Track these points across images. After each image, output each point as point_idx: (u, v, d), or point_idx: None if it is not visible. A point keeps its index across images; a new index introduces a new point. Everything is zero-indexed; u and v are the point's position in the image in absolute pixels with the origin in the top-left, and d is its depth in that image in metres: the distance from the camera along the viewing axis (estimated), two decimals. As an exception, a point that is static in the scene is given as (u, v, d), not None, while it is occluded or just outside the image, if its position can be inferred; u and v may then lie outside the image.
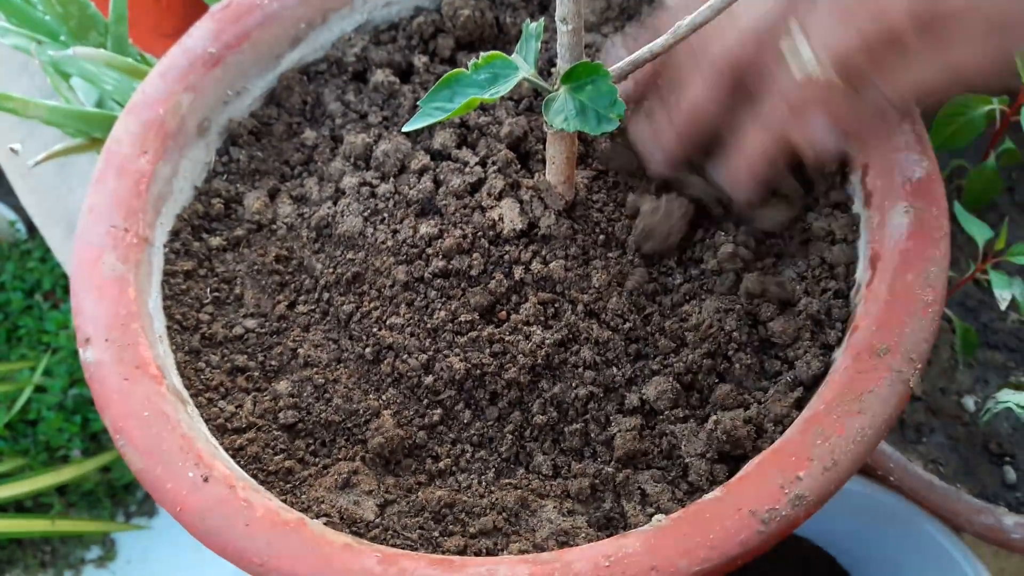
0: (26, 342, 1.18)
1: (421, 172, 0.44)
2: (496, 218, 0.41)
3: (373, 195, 0.44)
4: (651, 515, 0.35)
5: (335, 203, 0.44)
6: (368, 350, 0.41)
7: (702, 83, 0.38)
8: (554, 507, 0.37)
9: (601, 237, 0.41)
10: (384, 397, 0.40)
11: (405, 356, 0.40)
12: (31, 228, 1.28)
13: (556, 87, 0.36)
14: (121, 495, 1.19)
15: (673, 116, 0.40)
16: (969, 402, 0.56)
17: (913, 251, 0.37)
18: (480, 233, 0.41)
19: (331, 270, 0.43)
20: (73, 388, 1.15)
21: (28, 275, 1.22)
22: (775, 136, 0.37)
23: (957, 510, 0.50)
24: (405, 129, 0.35)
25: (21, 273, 1.22)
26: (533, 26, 0.36)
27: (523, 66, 0.35)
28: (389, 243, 0.42)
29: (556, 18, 0.35)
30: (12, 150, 0.45)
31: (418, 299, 0.41)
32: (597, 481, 0.37)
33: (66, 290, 1.22)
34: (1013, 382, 0.55)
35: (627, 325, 0.40)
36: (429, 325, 0.41)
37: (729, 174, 0.40)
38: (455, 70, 0.35)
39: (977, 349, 0.57)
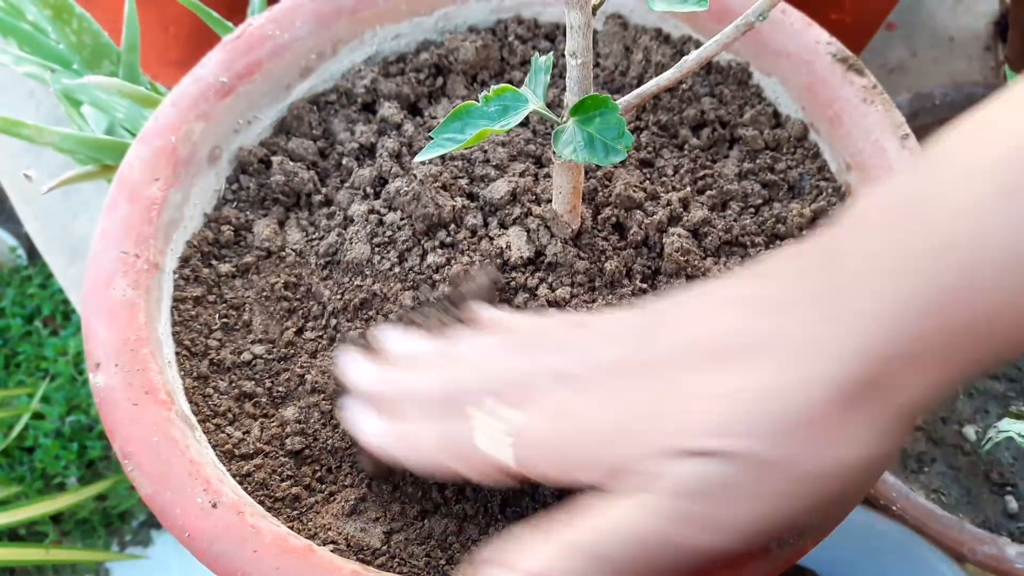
0: (24, 368, 1.18)
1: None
2: (503, 246, 0.42)
3: (381, 223, 0.45)
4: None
5: (343, 230, 0.45)
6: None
7: (424, 378, 0.36)
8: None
9: (607, 265, 0.42)
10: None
11: None
12: (31, 254, 1.28)
13: (565, 119, 0.36)
14: (116, 524, 1.18)
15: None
16: (970, 431, 0.57)
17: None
18: (487, 260, 0.42)
19: (339, 296, 0.43)
20: (71, 415, 1.15)
21: (28, 301, 1.22)
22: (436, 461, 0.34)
23: (959, 539, 0.51)
24: (417, 160, 0.36)
25: (21, 299, 1.23)
26: (542, 60, 0.37)
27: (532, 98, 0.36)
28: (396, 270, 0.43)
29: (566, 52, 0.35)
30: (26, 176, 0.45)
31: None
32: None
33: (66, 316, 1.22)
34: (1013, 411, 0.56)
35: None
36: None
37: (367, 422, 0.37)
38: (466, 102, 0.35)
39: (977, 379, 0.57)
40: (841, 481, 0.27)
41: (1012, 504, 0.54)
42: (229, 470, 0.38)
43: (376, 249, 0.44)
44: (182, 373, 0.41)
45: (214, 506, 0.35)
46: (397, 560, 0.36)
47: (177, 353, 0.41)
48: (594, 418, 0.30)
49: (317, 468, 0.40)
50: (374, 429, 0.36)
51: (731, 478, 0.27)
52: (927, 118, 0.68)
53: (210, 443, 0.39)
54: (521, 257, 0.42)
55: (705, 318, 0.30)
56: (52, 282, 1.24)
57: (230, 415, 0.41)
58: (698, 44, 0.48)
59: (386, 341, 0.39)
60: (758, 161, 0.46)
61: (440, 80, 0.50)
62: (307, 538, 0.35)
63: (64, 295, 1.23)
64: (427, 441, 0.34)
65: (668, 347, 0.30)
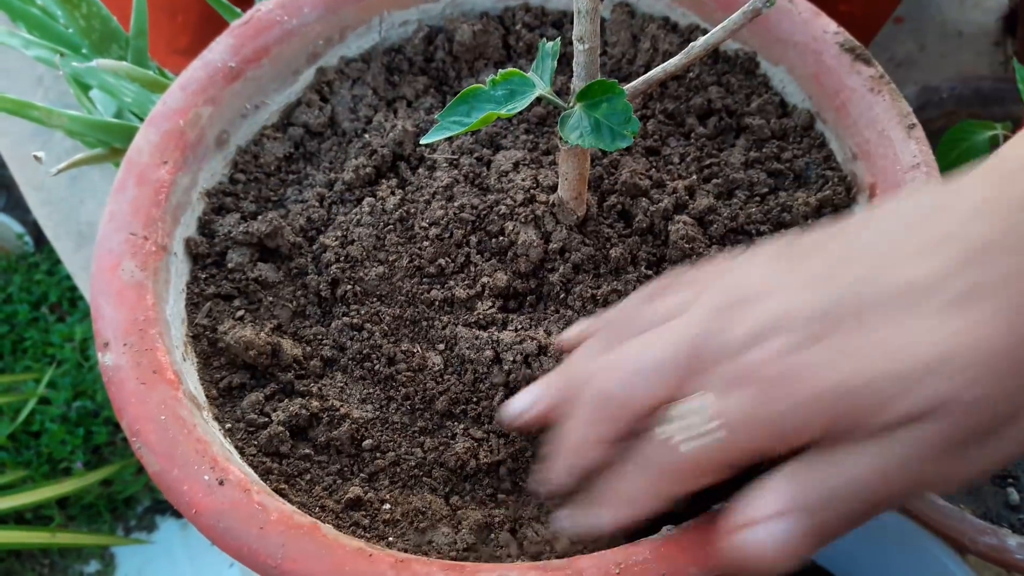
0: (31, 354, 1.19)
1: (433, 194, 0.45)
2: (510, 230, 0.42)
3: (384, 211, 0.45)
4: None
5: (347, 216, 0.45)
6: (379, 365, 0.41)
7: (583, 422, 0.34)
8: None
9: (612, 252, 0.42)
10: (391, 411, 0.41)
11: (406, 363, 0.41)
12: (38, 241, 1.29)
13: (571, 104, 0.37)
14: (122, 509, 1.19)
15: (560, 451, 0.35)
16: (972, 423, 0.57)
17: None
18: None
19: (350, 286, 0.43)
20: (77, 400, 1.16)
21: (35, 287, 1.23)
22: (648, 495, 0.33)
23: (961, 530, 0.51)
24: (424, 141, 0.36)
25: (28, 285, 1.23)
26: (549, 45, 0.37)
27: (539, 83, 0.36)
28: (404, 261, 0.43)
29: (573, 37, 0.36)
30: (36, 158, 0.46)
31: (427, 312, 0.42)
32: None
33: (72, 303, 1.23)
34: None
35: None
36: (434, 336, 0.41)
37: (590, 516, 0.35)
38: (473, 86, 0.36)
39: None
40: None
41: (1014, 496, 0.55)
42: (235, 449, 0.39)
43: (380, 237, 0.44)
44: (190, 353, 0.41)
45: (221, 484, 0.35)
46: (400, 541, 0.37)
47: (185, 334, 0.42)
48: (805, 382, 0.28)
49: (323, 459, 0.40)
50: (585, 524, 0.35)
51: (972, 430, 0.26)
52: (934, 112, 0.68)
53: (216, 422, 0.39)
54: (527, 243, 0.42)
55: (892, 257, 0.28)
56: (59, 269, 1.25)
57: (236, 395, 0.41)
58: (705, 33, 0.48)
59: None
60: (764, 150, 0.46)
61: (443, 64, 0.50)
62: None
63: (71, 282, 1.23)
64: (639, 488, 0.32)
65: (861, 292, 0.28)
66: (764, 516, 0.29)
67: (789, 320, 0.28)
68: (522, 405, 0.37)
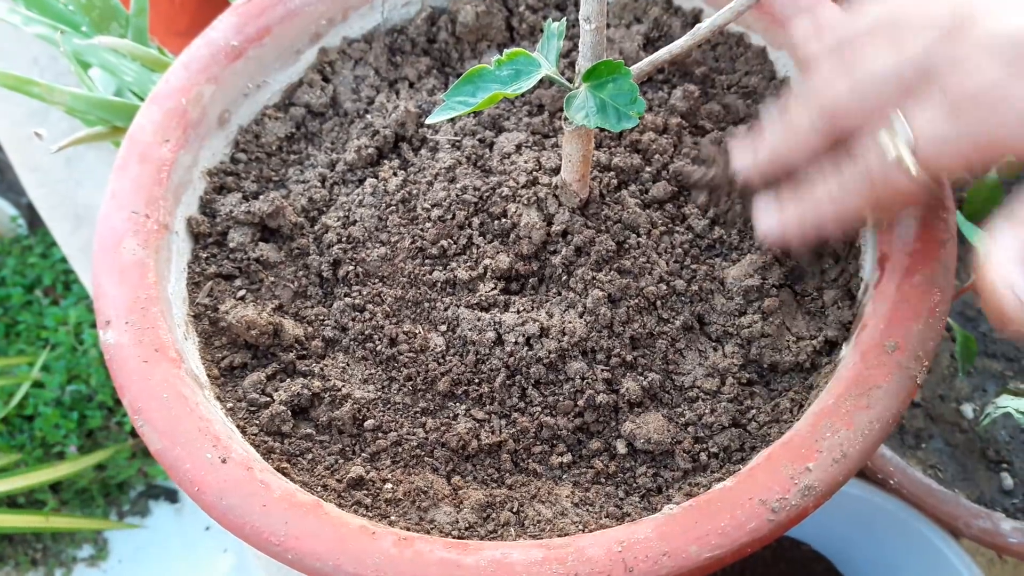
0: (25, 337, 1.18)
1: (436, 175, 0.45)
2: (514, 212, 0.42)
3: (386, 192, 0.45)
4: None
5: (349, 197, 0.45)
6: (381, 346, 0.42)
7: (799, 123, 0.37)
8: (567, 496, 0.37)
9: (615, 228, 0.42)
10: (393, 392, 0.41)
11: (408, 343, 0.41)
12: (32, 224, 1.28)
13: (577, 84, 0.37)
14: (115, 494, 1.19)
15: (766, 140, 0.39)
16: (967, 409, 0.57)
17: (921, 253, 0.38)
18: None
19: (352, 266, 0.43)
20: (71, 384, 1.16)
21: (28, 271, 1.23)
22: (842, 209, 0.36)
23: (955, 514, 0.51)
24: (428, 121, 0.36)
25: (21, 269, 1.23)
26: (555, 25, 0.37)
27: (545, 64, 0.36)
28: (406, 242, 0.43)
29: (580, 17, 0.36)
30: (37, 134, 0.46)
31: (429, 294, 0.42)
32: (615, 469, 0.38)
33: (66, 286, 1.23)
34: (1011, 389, 0.56)
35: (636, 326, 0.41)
36: (436, 317, 0.41)
37: (779, 218, 0.38)
38: (478, 66, 0.36)
39: (976, 358, 0.58)
40: None
41: (1007, 481, 0.55)
42: (237, 427, 0.39)
43: (382, 218, 0.44)
44: (192, 332, 0.41)
45: (223, 462, 0.35)
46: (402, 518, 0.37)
47: (187, 313, 0.42)
48: (1010, 101, 0.30)
49: (325, 438, 0.40)
50: (783, 215, 0.37)
51: None
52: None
53: (218, 401, 0.39)
54: (530, 224, 0.42)
55: None
56: (53, 252, 1.24)
57: (238, 374, 0.41)
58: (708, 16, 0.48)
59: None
60: None
61: (445, 45, 0.50)
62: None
63: (65, 265, 1.23)
64: (833, 194, 0.35)
65: None
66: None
67: (1005, 43, 0.30)
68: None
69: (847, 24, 0.36)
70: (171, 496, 1.19)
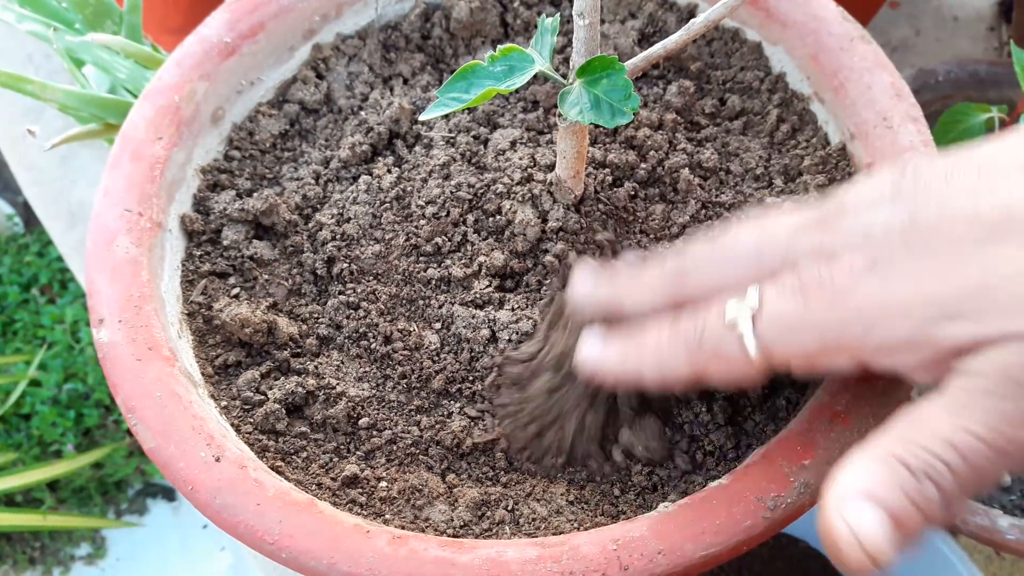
0: (21, 336, 1.18)
1: (430, 172, 0.45)
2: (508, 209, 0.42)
3: (381, 189, 0.45)
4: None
5: (343, 194, 0.45)
6: (375, 344, 0.41)
7: (649, 272, 0.35)
8: (562, 494, 0.37)
9: (610, 222, 0.42)
10: (388, 390, 0.41)
11: (402, 341, 0.41)
12: (28, 222, 1.28)
13: (571, 80, 0.36)
14: (112, 492, 1.19)
15: (614, 278, 0.36)
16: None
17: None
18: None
19: (346, 264, 0.43)
20: (68, 383, 1.16)
21: (25, 269, 1.22)
22: (665, 364, 0.33)
23: (952, 511, 0.51)
24: (422, 118, 0.36)
25: (18, 267, 1.22)
26: (549, 21, 0.37)
27: (539, 59, 0.36)
28: (400, 239, 0.43)
29: (574, 12, 0.35)
30: (30, 132, 0.45)
31: (423, 291, 0.42)
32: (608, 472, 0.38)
33: (63, 285, 1.22)
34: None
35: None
36: (431, 315, 0.41)
37: (600, 351, 0.35)
38: (472, 62, 0.35)
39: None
40: None
41: (1005, 477, 0.55)
42: (231, 426, 0.39)
43: (376, 215, 0.44)
44: (185, 330, 0.41)
45: (217, 460, 0.35)
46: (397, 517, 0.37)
47: (181, 311, 0.41)
48: (858, 298, 0.28)
49: (319, 436, 0.40)
50: (605, 349, 0.34)
51: None
52: (930, 95, 0.68)
53: (212, 399, 0.39)
54: (524, 222, 0.42)
55: (991, 186, 0.27)
56: (49, 250, 1.24)
57: (232, 373, 0.41)
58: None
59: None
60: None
61: (439, 42, 0.50)
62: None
63: (61, 263, 1.22)
64: (662, 344, 0.32)
65: (951, 219, 0.27)
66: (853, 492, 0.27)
67: (868, 241, 0.28)
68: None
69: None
70: (169, 494, 1.19)
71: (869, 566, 0.26)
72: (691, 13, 0.49)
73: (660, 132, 0.45)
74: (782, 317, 0.29)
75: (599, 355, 0.34)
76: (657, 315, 0.33)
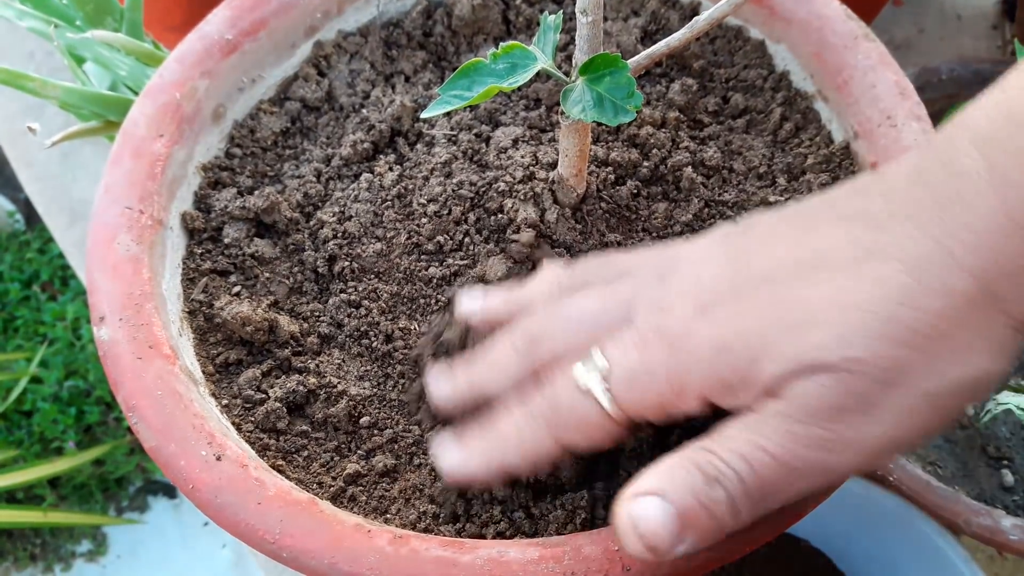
0: (23, 333, 1.18)
1: (432, 171, 0.44)
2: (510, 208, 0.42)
3: (382, 187, 0.44)
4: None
5: (344, 192, 0.45)
6: (376, 342, 0.41)
7: (500, 348, 0.35)
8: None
9: (612, 221, 0.42)
10: (389, 388, 0.40)
11: (404, 340, 0.41)
12: (30, 219, 1.28)
13: (574, 78, 0.36)
14: (113, 489, 1.19)
15: (469, 368, 0.36)
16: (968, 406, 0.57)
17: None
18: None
19: (348, 262, 0.43)
20: (69, 380, 1.16)
21: (26, 266, 1.22)
22: (529, 443, 0.33)
23: (955, 511, 0.51)
24: (424, 116, 0.36)
25: (19, 264, 1.22)
26: (551, 18, 0.37)
27: (541, 57, 0.36)
28: (402, 238, 0.43)
29: (576, 10, 0.35)
30: (30, 129, 0.45)
31: (425, 290, 0.42)
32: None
33: (64, 282, 1.22)
34: (1012, 385, 0.56)
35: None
36: (432, 310, 0.41)
37: (463, 460, 0.34)
38: (474, 59, 0.35)
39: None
40: (961, 398, 0.26)
41: (1008, 477, 0.55)
42: (232, 425, 0.38)
43: (377, 213, 0.44)
44: (186, 329, 0.41)
45: (218, 459, 0.35)
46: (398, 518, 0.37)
47: (182, 309, 0.41)
48: (693, 340, 0.29)
49: (320, 435, 0.40)
50: (467, 457, 0.34)
51: (856, 394, 0.26)
52: (933, 93, 0.68)
53: (213, 398, 0.39)
54: (526, 219, 0.41)
55: (807, 233, 0.29)
56: (50, 247, 1.24)
57: (233, 371, 0.41)
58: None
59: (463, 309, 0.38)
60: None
61: (441, 39, 0.50)
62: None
63: (62, 260, 1.22)
64: (520, 427, 0.33)
65: (770, 263, 0.29)
66: (643, 490, 0.29)
67: (699, 289, 0.30)
68: (472, 304, 0.38)
69: (568, 274, 0.36)
70: (169, 492, 1.19)
71: (643, 551, 0.28)
72: (694, 11, 0.49)
73: (663, 130, 0.45)
74: (631, 372, 0.30)
75: (462, 465, 0.34)
76: (507, 396, 0.34)
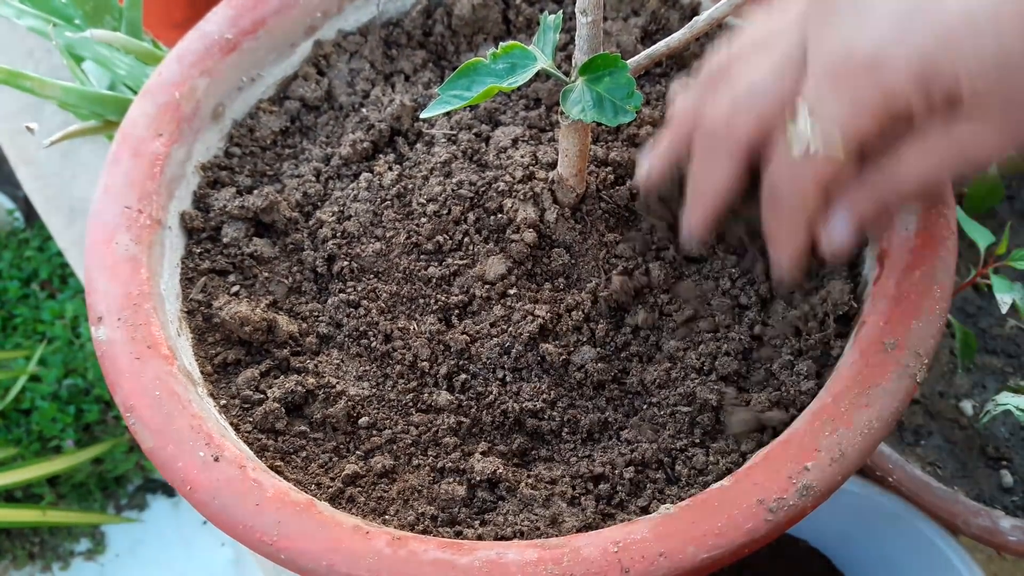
0: (21, 331, 1.18)
1: (431, 170, 0.44)
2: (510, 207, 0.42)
3: (382, 186, 0.44)
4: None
5: (343, 192, 0.45)
6: (375, 343, 0.41)
7: (719, 169, 0.36)
8: (560, 493, 0.37)
9: (612, 221, 0.42)
10: (387, 389, 0.40)
11: (402, 340, 0.41)
12: (29, 217, 1.28)
13: (574, 78, 0.36)
14: (112, 488, 1.19)
15: (697, 201, 0.38)
16: (967, 406, 0.57)
17: (921, 249, 0.38)
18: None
19: (347, 262, 0.43)
20: (68, 378, 1.15)
21: (25, 264, 1.22)
22: (793, 227, 0.36)
23: (954, 512, 0.51)
24: (423, 116, 0.35)
25: (18, 262, 1.22)
26: (551, 18, 0.37)
27: (541, 57, 0.36)
28: (401, 237, 0.43)
29: (576, 10, 0.35)
30: (28, 128, 0.45)
31: (424, 290, 0.42)
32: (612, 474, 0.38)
33: (63, 280, 1.22)
34: (1011, 386, 0.56)
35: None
36: (431, 310, 0.41)
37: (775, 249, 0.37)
38: (474, 59, 0.35)
39: (976, 354, 0.58)
40: None
41: (1007, 478, 0.55)
42: (230, 425, 0.38)
43: (377, 213, 0.43)
44: (185, 329, 0.41)
45: (216, 460, 0.35)
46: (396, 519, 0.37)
47: (180, 309, 0.41)
48: (892, 56, 0.30)
49: (319, 436, 0.40)
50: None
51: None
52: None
53: (211, 398, 0.39)
54: (526, 219, 0.41)
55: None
56: (50, 245, 1.24)
57: (232, 371, 0.41)
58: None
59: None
60: None
61: (440, 39, 0.50)
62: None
63: (62, 258, 1.22)
64: (785, 213, 0.35)
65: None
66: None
67: (868, 15, 0.31)
68: (643, 173, 0.40)
69: (712, 61, 0.36)
70: (168, 490, 1.19)
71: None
72: (694, 11, 0.49)
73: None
74: (830, 112, 0.32)
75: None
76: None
